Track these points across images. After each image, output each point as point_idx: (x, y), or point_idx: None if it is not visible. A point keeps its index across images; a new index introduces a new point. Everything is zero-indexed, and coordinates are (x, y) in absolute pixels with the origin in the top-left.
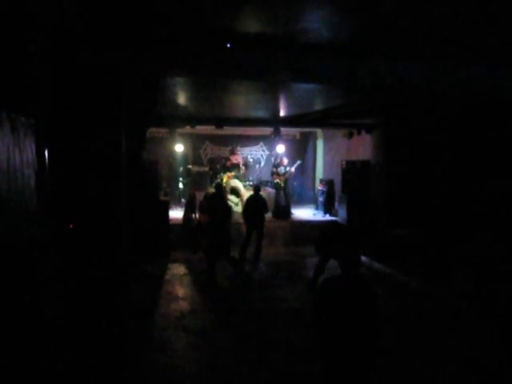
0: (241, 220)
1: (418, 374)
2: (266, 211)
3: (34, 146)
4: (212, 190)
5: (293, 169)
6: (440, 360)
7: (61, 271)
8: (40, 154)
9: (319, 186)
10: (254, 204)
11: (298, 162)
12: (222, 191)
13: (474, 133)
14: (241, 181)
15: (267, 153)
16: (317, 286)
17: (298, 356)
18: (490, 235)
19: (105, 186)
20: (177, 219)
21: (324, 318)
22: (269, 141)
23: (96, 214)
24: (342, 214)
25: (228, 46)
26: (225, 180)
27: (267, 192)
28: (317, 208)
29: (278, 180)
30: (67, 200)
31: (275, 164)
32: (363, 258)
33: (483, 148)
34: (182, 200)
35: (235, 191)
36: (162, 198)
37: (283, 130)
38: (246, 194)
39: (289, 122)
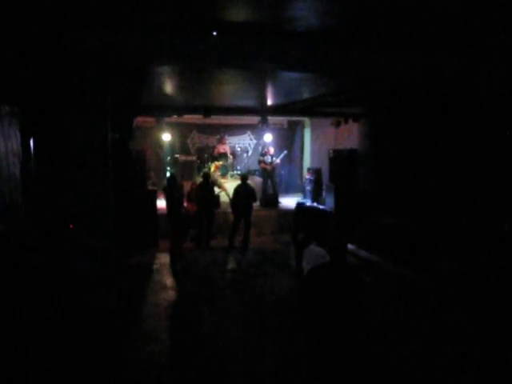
0: (228, 209)
1: (404, 358)
2: (255, 200)
3: (19, 135)
4: (200, 179)
5: (278, 160)
6: (425, 345)
7: (46, 260)
8: (25, 143)
9: (307, 175)
10: (242, 193)
11: (284, 153)
12: (209, 180)
13: (462, 121)
14: (228, 170)
15: (255, 142)
16: (302, 273)
17: (288, 343)
18: (476, 223)
19: (91, 175)
20: (164, 209)
21: (312, 305)
22: (256, 130)
23: (82, 203)
24: (329, 203)
25: (214, 33)
26: (212, 169)
27: (255, 181)
28: (304, 197)
29: (266, 168)
30: (53, 189)
31: (262, 153)
32: (350, 246)
33: (471, 137)
34: None
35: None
36: (150, 187)
37: (271, 118)
38: (226, 183)
39: (276, 110)
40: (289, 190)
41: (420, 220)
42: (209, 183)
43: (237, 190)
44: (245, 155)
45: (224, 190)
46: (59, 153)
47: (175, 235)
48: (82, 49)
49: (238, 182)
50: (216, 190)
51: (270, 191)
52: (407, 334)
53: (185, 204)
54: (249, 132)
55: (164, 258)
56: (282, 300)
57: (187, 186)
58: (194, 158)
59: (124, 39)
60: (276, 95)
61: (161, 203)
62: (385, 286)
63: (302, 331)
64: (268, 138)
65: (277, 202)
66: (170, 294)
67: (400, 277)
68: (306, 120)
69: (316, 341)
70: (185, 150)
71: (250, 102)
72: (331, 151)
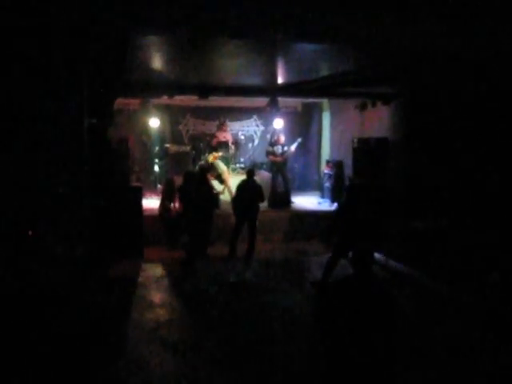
0: (229, 210)
1: None
2: (262, 200)
3: None
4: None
5: (292, 148)
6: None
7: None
8: None
9: (325, 169)
10: (246, 191)
11: (299, 140)
12: (206, 175)
13: None
14: (230, 163)
15: (262, 128)
16: (325, 287)
17: (298, 376)
18: None
19: (62, 168)
20: (152, 209)
21: (333, 327)
22: (264, 114)
23: (50, 202)
24: None
25: None
26: (210, 161)
27: (262, 176)
28: (322, 195)
29: (275, 160)
30: (14, 184)
31: (271, 142)
32: (378, 256)
33: None
34: (158, 186)
35: (218, 175)
36: (134, 183)
37: (281, 100)
38: (230, 177)
39: (288, 90)
40: (303, 188)
41: (463, 224)
42: (206, 179)
43: (240, 188)
44: (250, 145)
45: (227, 185)
46: (23, 141)
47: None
48: (50, 13)
49: (242, 177)
50: (217, 185)
51: (281, 189)
52: (446, 366)
53: (176, 204)
54: (255, 117)
55: (151, 269)
56: (294, 323)
57: (179, 182)
58: (188, 148)
59: (103, 2)
60: (288, 72)
61: (147, 203)
62: (419, 305)
63: (316, 362)
64: (278, 123)
65: (288, 202)
66: (158, 313)
67: (438, 294)
68: (325, 102)
69: (333, 368)
70: (177, 139)
71: (256, 80)
72: (355, 140)
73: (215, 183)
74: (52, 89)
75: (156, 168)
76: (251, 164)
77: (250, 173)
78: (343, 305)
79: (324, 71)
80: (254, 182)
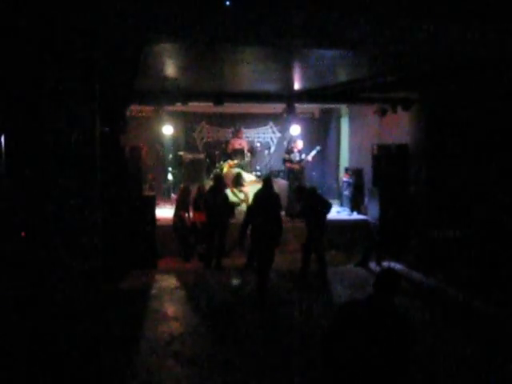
0: None
1: None
2: (280, 209)
3: None
4: (210, 182)
5: (310, 157)
6: None
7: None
8: None
9: (344, 177)
10: (264, 200)
11: (317, 149)
12: (221, 184)
13: None
14: (245, 171)
15: (279, 135)
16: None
17: None
18: None
19: (74, 178)
20: (165, 219)
21: (337, 353)
22: (281, 120)
23: (62, 212)
24: (372, 212)
25: (227, 3)
26: (225, 170)
27: (279, 184)
28: (341, 204)
29: (292, 168)
30: (28, 193)
31: (288, 149)
32: (400, 267)
33: None
34: (172, 195)
35: (238, 181)
36: (147, 192)
37: (298, 106)
38: (249, 188)
39: (305, 96)
40: None
41: (492, 233)
42: (221, 187)
43: (257, 197)
44: (266, 152)
45: (246, 199)
46: (36, 151)
47: None
48: (64, 21)
49: (258, 185)
50: (238, 194)
51: None
52: None
53: (191, 213)
54: (271, 123)
55: (164, 281)
56: (311, 337)
57: (194, 191)
58: (203, 155)
59: (117, 10)
60: (305, 78)
61: (161, 212)
62: (447, 321)
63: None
64: (295, 130)
65: None
66: (172, 326)
67: (468, 308)
68: (343, 108)
69: None
70: (191, 147)
71: (272, 87)
72: (375, 147)
73: (235, 192)
74: (64, 97)
75: (170, 176)
76: (268, 172)
77: (268, 181)
78: (351, 328)
79: (342, 77)
80: (272, 191)
